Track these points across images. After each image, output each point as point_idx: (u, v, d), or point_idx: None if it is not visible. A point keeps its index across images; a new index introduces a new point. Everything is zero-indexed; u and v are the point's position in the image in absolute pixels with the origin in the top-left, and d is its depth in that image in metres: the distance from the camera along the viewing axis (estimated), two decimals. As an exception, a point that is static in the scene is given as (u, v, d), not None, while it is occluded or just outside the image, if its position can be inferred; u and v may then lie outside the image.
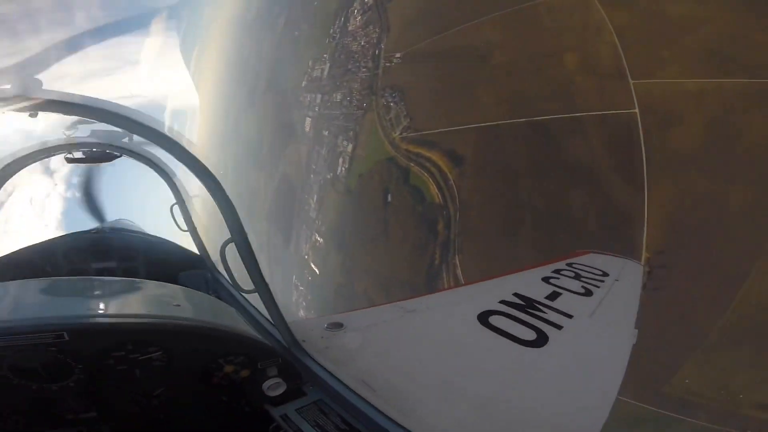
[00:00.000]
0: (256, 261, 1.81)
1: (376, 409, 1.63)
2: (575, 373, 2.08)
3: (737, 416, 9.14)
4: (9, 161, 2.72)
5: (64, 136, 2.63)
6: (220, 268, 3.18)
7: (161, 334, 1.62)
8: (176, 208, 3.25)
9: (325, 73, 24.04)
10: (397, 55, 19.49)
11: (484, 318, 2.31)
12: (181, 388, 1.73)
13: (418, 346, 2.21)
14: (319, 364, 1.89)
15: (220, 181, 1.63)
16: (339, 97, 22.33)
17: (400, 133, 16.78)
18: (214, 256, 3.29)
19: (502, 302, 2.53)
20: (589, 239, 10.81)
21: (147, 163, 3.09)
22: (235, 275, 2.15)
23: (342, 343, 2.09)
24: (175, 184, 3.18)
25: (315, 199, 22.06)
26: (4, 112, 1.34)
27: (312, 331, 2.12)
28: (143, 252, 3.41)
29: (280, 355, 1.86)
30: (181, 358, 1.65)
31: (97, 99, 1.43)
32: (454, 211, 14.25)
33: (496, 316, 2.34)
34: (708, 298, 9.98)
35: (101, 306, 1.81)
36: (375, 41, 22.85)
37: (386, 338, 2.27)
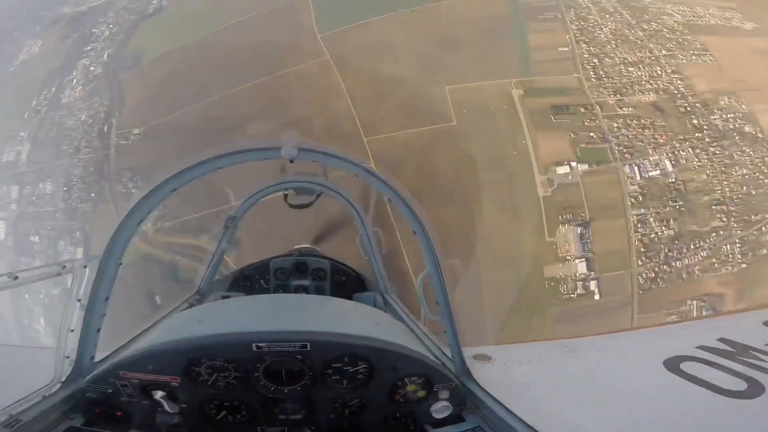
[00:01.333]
0: (446, 292, 1.99)
1: None
2: None
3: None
4: (248, 196, 3.68)
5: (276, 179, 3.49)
6: (391, 293, 3.66)
7: (372, 351, 1.84)
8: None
9: (23, 156, 17.54)
10: (136, 131, 16.49)
11: (673, 364, 2.05)
12: (370, 401, 1.94)
13: (585, 386, 2.07)
14: (485, 392, 1.92)
15: (425, 224, 1.88)
16: (50, 188, 16.59)
17: (154, 224, 13.92)
18: (386, 281, 3.75)
19: (701, 348, 2.18)
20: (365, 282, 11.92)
21: (339, 200, 3.62)
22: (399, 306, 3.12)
23: (497, 375, 2.08)
24: (361, 218, 3.68)
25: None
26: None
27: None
28: (329, 273, 3.98)
29: (453, 380, 1.97)
30: (380, 373, 1.87)
31: (333, 147, 1.99)
32: (242, 296, 12.90)
33: (691, 363, 2.04)
34: (466, 285, 12.72)
35: (333, 322, 2.00)
36: (103, 116, 18.72)
37: (547, 374, 2.21)
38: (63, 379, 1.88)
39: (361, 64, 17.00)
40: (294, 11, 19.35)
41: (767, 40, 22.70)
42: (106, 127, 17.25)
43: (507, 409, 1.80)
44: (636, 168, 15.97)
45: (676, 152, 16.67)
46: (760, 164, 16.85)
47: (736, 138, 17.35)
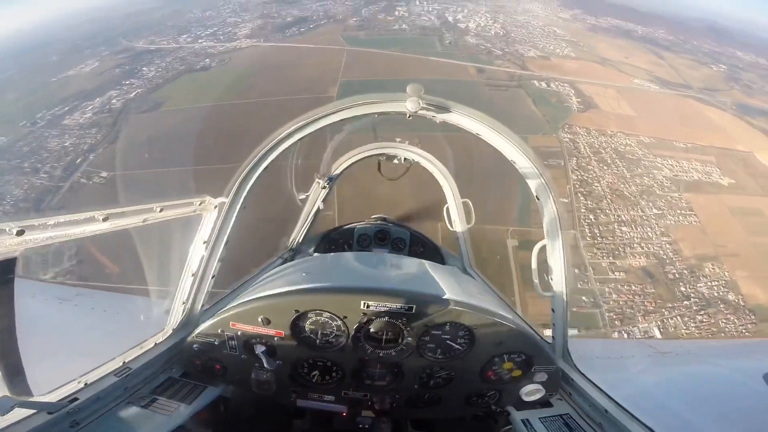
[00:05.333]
0: (567, 267, 1.84)
1: None
2: None
3: None
4: (345, 159, 3.63)
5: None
6: (475, 266, 3.55)
7: (479, 321, 1.75)
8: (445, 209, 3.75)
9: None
10: (103, 174, 15.27)
11: None
12: (459, 375, 1.84)
13: (672, 389, 2.00)
14: (588, 380, 1.82)
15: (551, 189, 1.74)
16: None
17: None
18: (471, 254, 3.71)
19: None
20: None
21: (430, 168, 3.61)
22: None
23: (588, 365, 1.95)
24: (450, 187, 3.63)
25: None
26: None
27: None
28: (408, 243, 4.00)
29: (556, 363, 1.86)
30: (480, 346, 1.77)
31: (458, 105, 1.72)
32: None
33: None
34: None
35: (440, 287, 1.89)
36: (86, 148, 17.81)
37: (645, 372, 2.19)
38: (176, 327, 1.88)
39: (358, 177, 16.73)
40: (319, 105, 19.99)
41: (742, 198, 24.88)
42: (78, 160, 16.10)
43: (612, 399, 1.65)
44: (625, 335, 15.34)
45: (664, 320, 16.32)
46: (744, 330, 17.17)
47: (721, 306, 17.74)
